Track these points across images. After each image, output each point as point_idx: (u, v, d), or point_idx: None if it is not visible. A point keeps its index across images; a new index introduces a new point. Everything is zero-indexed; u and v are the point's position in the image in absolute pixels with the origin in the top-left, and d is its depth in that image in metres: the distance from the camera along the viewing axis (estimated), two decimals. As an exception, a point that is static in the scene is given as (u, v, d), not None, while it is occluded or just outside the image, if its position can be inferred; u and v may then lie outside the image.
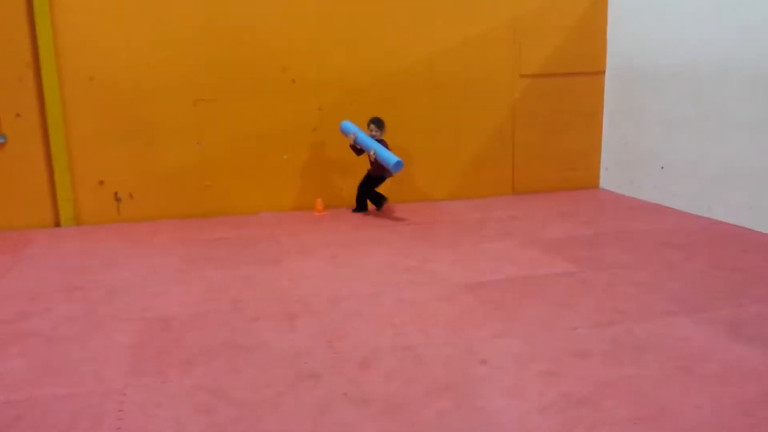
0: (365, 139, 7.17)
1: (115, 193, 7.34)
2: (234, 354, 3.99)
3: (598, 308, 4.59)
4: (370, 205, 7.83)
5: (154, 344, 4.14)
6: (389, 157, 6.96)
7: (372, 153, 7.08)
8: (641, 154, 8.08)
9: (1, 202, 7.06)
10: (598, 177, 8.87)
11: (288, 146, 7.76)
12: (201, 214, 7.59)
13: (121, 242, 6.62)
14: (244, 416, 3.26)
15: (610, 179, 8.75)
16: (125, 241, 6.67)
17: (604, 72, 8.57)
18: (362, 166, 7.63)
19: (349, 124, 7.33)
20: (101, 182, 7.27)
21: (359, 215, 7.63)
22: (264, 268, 5.69)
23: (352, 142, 7.23)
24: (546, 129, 8.54)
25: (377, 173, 7.46)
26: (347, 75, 7.74)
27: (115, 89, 7.16)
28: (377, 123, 7.34)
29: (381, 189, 7.75)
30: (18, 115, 6.94)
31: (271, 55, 7.50)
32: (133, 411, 3.31)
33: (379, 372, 3.70)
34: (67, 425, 3.19)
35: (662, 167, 7.70)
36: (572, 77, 8.47)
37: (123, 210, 7.38)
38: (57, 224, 7.23)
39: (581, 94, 8.56)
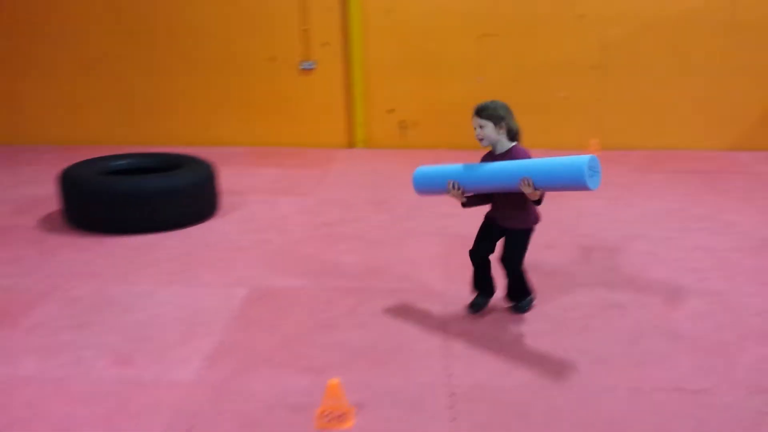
0: (475, 173, 3.40)
1: (402, 121, 7.91)
2: (531, 276, 4.23)
3: None
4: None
5: (458, 257, 4.52)
6: (570, 165, 3.10)
7: (528, 189, 3.17)
8: None
9: (308, 123, 7.97)
10: None
11: (566, 84, 7.73)
12: (476, 147, 7.90)
13: (408, 166, 7.15)
14: (554, 331, 3.49)
15: None
16: (411, 165, 7.20)
17: None
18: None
19: (428, 173, 3.71)
20: (391, 110, 7.87)
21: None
22: (546, 202, 5.83)
23: (460, 198, 3.48)
24: None
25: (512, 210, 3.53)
26: (636, 10, 7.44)
27: (409, 22, 7.62)
28: (488, 113, 3.40)
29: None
30: (326, 43, 7.71)
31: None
32: (455, 310, 3.71)
33: (685, 312, 3.72)
34: (403, 314, 3.68)
35: None
36: None
37: (408, 137, 7.95)
38: (351, 146, 8.01)
39: None
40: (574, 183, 3.04)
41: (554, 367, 3.14)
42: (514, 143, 3.45)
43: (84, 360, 3.22)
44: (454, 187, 3.41)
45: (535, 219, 3.56)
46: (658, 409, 2.82)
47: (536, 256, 4.54)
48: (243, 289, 4.03)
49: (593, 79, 7.69)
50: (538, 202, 3.37)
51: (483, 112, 3.39)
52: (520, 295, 3.69)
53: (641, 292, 3.97)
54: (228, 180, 6.09)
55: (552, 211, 5.52)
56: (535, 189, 3.14)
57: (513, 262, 3.56)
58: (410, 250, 4.67)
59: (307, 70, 7.80)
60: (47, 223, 5.23)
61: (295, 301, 3.87)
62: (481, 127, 3.41)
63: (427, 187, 3.63)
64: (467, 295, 3.82)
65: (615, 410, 2.81)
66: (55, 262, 4.47)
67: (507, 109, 3.43)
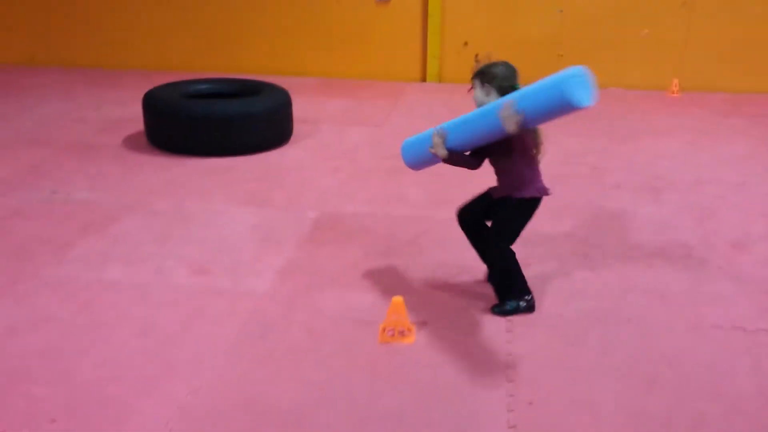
0: (459, 120, 2.94)
1: (476, 55, 7.79)
2: (597, 214, 4.24)
3: None
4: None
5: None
6: (552, 80, 2.68)
7: (513, 117, 2.63)
8: None
9: (382, 55, 7.96)
10: None
11: (650, 22, 7.43)
12: (551, 84, 7.76)
13: (479, 101, 7.14)
14: (617, 267, 3.52)
15: None
16: (483, 100, 7.17)
17: None
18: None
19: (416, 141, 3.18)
20: (465, 44, 7.77)
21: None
22: (619, 142, 5.74)
23: (442, 155, 2.93)
24: None
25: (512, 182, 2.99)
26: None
27: (490, -47, 7.44)
28: (479, 72, 2.97)
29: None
30: (403, -26, 7.63)
31: None
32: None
33: (753, 257, 3.67)
34: (466, 243, 3.77)
35: None
36: None
37: (480, 71, 7.87)
38: (423, 79, 7.99)
39: None
40: (557, 99, 2.58)
41: (614, 302, 3.20)
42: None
43: (164, 269, 3.46)
44: (439, 135, 2.88)
45: (534, 189, 2.91)
46: (714, 346, 2.85)
47: (605, 194, 4.54)
48: (313, 212, 4.19)
49: (679, 18, 7.36)
50: (531, 158, 2.89)
51: (475, 73, 2.95)
52: (506, 293, 3.05)
53: (709, 234, 3.93)
54: (302, 108, 6.21)
55: (624, 152, 5.46)
56: (517, 113, 2.59)
57: (498, 238, 2.99)
58: (474, 186, 4.70)
59: (384, 2, 7.74)
60: (130, 143, 5.51)
61: (361, 227, 4.01)
62: (472, 88, 2.96)
63: (416, 155, 3.13)
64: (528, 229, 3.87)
65: (670, 345, 2.85)
66: (137, 179, 4.73)
67: (504, 71, 2.90)
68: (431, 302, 3.16)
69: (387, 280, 3.36)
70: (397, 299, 2.81)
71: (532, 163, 2.90)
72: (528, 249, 3.69)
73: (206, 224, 4.00)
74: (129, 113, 6.27)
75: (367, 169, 5.04)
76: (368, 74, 8.02)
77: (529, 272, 3.14)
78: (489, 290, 3.21)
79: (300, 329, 2.95)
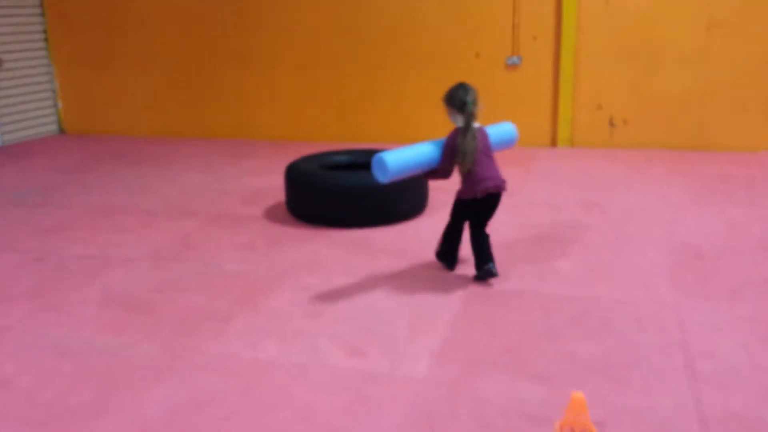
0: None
1: (611, 118, 7.56)
2: None
3: None
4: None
5: (690, 268, 4.23)
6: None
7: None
8: None
9: (510, 119, 7.81)
10: None
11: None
12: (694, 147, 7.37)
13: (618, 167, 6.85)
14: (816, 360, 3.14)
15: None
16: (621, 166, 6.88)
17: None
18: None
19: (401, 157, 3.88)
20: (599, 106, 7.55)
21: None
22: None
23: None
24: None
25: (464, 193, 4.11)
26: None
27: (628, 12, 7.24)
28: (444, 99, 4.22)
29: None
30: (535, 37, 7.55)
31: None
32: (694, 328, 3.46)
33: None
34: (634, 327, 3.50)
35: None
36: None
37: (616, 135, 7.59)
38: (553, 144, 7.80)
39: None
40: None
41: (819, 401, 2.83)
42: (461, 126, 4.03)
43: (320, 348, 3.40)
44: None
45: (462, 193, 4.08)
46: None
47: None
48: (462, 287, 4.06)
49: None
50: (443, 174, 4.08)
51: (447, 98, 4.18)
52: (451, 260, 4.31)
53: None
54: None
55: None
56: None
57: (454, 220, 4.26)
58: (632, 258, 4.44)
59: (513, 66, 7.69)
60: (272, 214, 5.63)
61: (514, 304, 3.83)
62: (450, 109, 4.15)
63: (404, 170, 3.90)
64: (707, 310, 3.55)
65: None
66: (283, 251, 4.79)
67: (451, 97, 4.10)
68: (608, 397, 2.91)
69: (553, 368, 3.15)
70: (578, 395, 2.59)
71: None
72: (704, 332, 3.38)
73: (354, 300, 3.95)
74: (267, 183, 6.46)
75: (510, 239, 4.88)
76: (496, 139, 7.92)
77: (710, 361, 2.81)
78: (678, 384, 2.93)
79: (467, 421, 2.78)
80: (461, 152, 3.92)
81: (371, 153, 5.91)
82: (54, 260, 4.69)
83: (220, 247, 4.90)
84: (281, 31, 8.36)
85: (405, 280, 4.23)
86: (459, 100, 4.00)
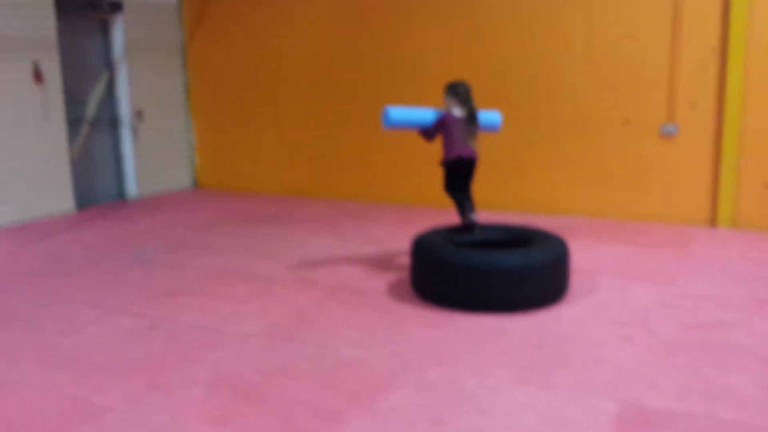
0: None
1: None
2: None
3: None
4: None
5: None
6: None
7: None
8: None
9: (664, 195, 7.09)
10: None
11: None
12: None
13: (793, 254, 5.91)
14: None
15: None
16: (797, 253, 5.93)
17: None
18: None
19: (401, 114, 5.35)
20: (767, 184, 6.64)
21: None
22: None
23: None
24: None
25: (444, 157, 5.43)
26: None
27: None
28: (445, 89, 5.38)
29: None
30: (694, 104, 6.80)
31: None
32: None
33: None
34: None
35: None
36: None
37: (787, 217, 6.63)
38: (712, 223, 6.92)
39: None
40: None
41: None
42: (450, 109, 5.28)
43: (443, 469, 2.88)
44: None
45: (446, 157, 5.32)
46: None
47: None
48: (611, 403, 3.41)
49: None
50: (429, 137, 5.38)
51: (444, 88, 5.33)
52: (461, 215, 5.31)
53: None
54: (573, 256, 5.54)
55: None
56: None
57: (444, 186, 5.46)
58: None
59: (668, 135, 6.95)
60: (395, 290, 5.21)
61: (680, 429, 3.14)
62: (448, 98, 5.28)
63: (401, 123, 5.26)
64: None
65: None
66: (405, 336, 4.33)
67: (453, 89, 5.27)
68: None
69: None
70: None
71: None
72: None
73: (486, 408, 3.40)
74: (392, 251, 6.11)
75: (668, 341, 4.16)
76: (646, 215, 7.17)
77: None
78: None
79: None
80: (469, 134, 5.26)
81: (506, 230, 5.39)
82: (166, 329, 4.49)
83: (337, 325, 4.52)
84: (416, 91, 8.09)
85: (542, 385, 3.63)
86: (464, 92, 5.26)
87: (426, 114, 5.31)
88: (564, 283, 4.94)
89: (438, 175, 8.10)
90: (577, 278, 5.26)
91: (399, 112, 5.25)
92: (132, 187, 9.01)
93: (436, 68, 7.75)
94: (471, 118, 5.24)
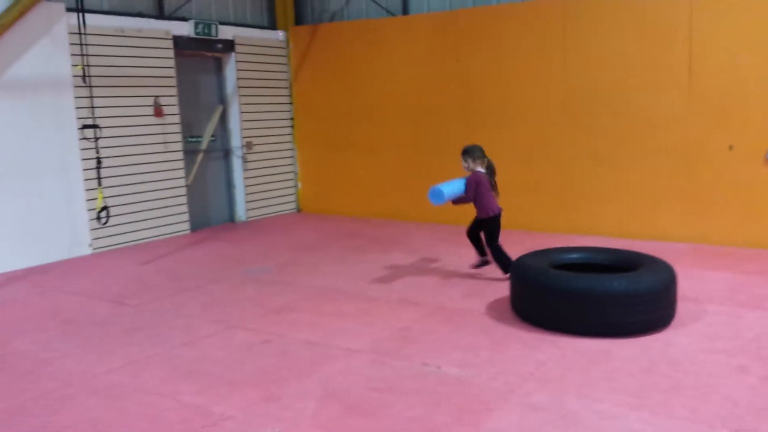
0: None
1: None
2: None
3: None
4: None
5: None
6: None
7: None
8: None
9: (773, 220, 6.83)
10: None
11: None
12: None
13: None
14: None
15: None
16: None
17: None
18: None
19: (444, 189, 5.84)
20: None
21: None
22: None
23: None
24: None
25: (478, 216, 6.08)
26: None
27: None
28: (463, 152, 6.05)
29: None
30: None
31: None
32: None
33: None
34: None
35: None
36: None
37: None
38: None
39: None
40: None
41: None
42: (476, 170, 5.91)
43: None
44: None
45: (480, 214, 5.95)
46: None
47: None
48: (726, 435, 3.33)
49: None
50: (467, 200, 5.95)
51: (465, 151, 5.96)
52: (503, 267, 5.88)
53: None
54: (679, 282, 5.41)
55: None
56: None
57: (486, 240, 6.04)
58: None
59: (775, 160, 6.71)
60: (495, 311, 5.26)
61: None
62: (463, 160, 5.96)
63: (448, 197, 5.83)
64: None
65: None
66: (507, 357, 4.38)
67: (473, 151, 5.91)
68: None
69: None
70: None
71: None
72: None
73: None
74: (490, 274, 6.15)
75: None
76: (752, 242, 6.91)
77: None
78: None
79: None
80: (492, 187, 5.94)
81: (606, 252, 5.35)
82: (278, 343, 4.74)
83: (440, 344, 4.63)
84: (507, 121, 8.18)
85: (654, 412, 3.58)
86: (480, 154, 5.90)
87: (459, 183, 5.86)
88: (672, 310, 4.85)
89: (531, 201, 8.18)
90: (683, 304, 5.14)
91: (447, 188, 5.76)
92: (241, 211, 9.54)
93: (532, 103, 7.83)
94: (490, 168, 5.94)
